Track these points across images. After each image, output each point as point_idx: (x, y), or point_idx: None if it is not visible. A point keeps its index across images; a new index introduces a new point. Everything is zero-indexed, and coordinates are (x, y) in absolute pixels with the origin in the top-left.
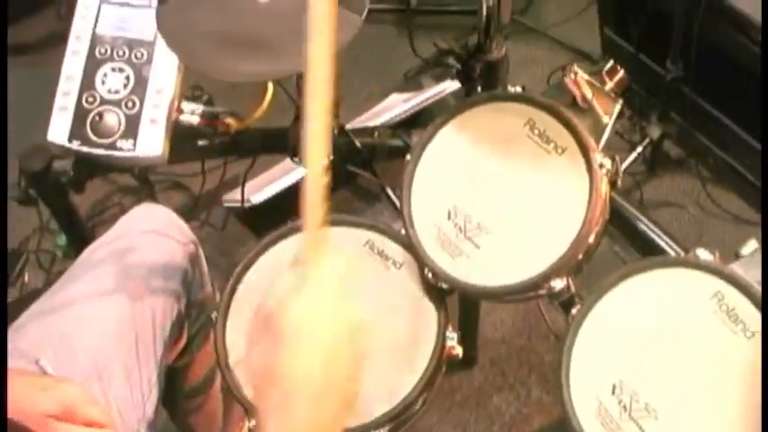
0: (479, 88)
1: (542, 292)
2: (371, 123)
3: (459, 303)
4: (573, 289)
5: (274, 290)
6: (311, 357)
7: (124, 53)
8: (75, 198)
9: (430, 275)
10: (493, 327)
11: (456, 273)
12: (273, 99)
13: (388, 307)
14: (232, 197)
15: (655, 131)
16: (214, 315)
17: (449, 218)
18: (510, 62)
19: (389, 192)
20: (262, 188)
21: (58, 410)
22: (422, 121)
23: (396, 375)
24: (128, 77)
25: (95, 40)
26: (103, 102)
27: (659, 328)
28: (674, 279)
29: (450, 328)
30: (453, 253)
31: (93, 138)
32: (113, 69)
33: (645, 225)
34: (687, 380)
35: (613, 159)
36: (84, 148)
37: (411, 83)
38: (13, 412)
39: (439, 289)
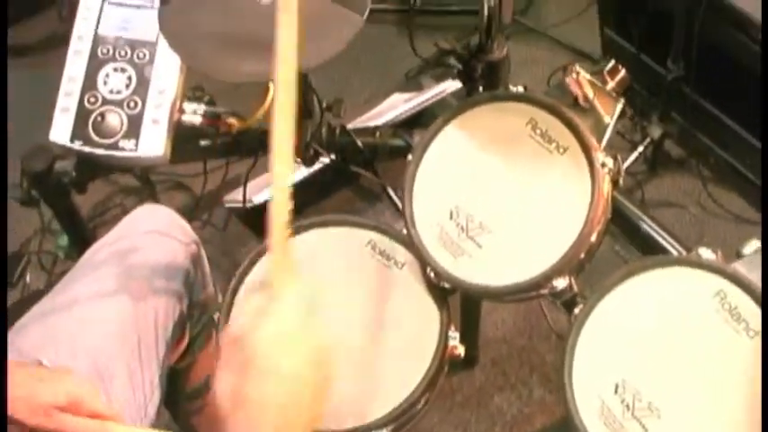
0: (481, 88)
1: (545, 291)
2: (373, 123)
3: (460, 303)
4: (575, 288)
5: (242, 314)
6: (278, 383)
7: (126, 53)
8: (76, 199)
9: (432, 275)
10: (494, 326)
11: (458, 272)
12: (274, 99)
13: (390, 307)
14: (234, 197)
15: (656, 131)
16: (216, 316)
17: (451, 217)
18: (511, 62)
19: (391, 191)
20: (263, 188)
21: (64, 402)
22: (423, 121)
23: (398, 375)
24: (130, 78)
25: (97, 41)
26: (105, 102)
27: (662, 327)
28: (677, 278)
29: (452, 328)
30: (455, 252)
31: (96, 138)
32: (115, 70)
33: (647, 224)
34: (690, 379)
35: (615, 159)
36: (87, 149)
37: (412, 83)
38: (18, 402)
39: (441, 288)
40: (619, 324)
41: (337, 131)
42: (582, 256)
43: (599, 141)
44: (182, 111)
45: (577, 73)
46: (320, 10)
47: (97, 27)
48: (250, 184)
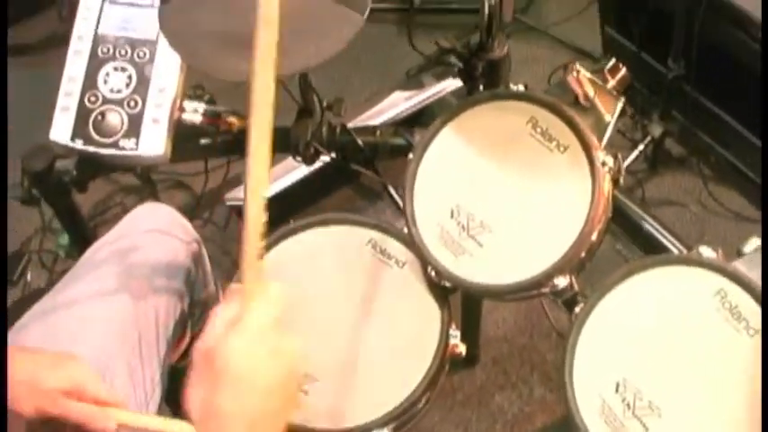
0: (481, 87)
1: (545, 290)
2: (373, 122)
3: (461, 302)
4: (576, 287)
5: (214, 326)
6: (249, 394)
7: (126, 52)
8: (77, 197)
9: (433, 274)
10: (495, 325)
11: (459, 271)
12: (275, 98)
13: (390, 306)
14: (234, 196)
15: (656, 129)
16: None
17: (451, 216)
18: (511, 61)
19: (391, 190)
20: None
21: (68, 387)
22: (423, 120)
23: (399, 374)
24: (130, 77)
25: (97, 40)
26: (106, 101)
27: (662, 325)
28: (677, 277)
29: (453, 327)
30: (456, 251)
31: (96, 137)
32: (116, 69)
33: (647, 223)
34: (690, 377)
35: (616, 157)
36: (87, 148)
37: (412, 81)
38: (21, 388)
39: (442, 287)
40: (619, 323)
41: (338, 130)
42: (583, 254)
43: (599, 140)
44: (182, 109)
45: (578, 71)
46: (321, 9)
47: (97, 26)
48: None
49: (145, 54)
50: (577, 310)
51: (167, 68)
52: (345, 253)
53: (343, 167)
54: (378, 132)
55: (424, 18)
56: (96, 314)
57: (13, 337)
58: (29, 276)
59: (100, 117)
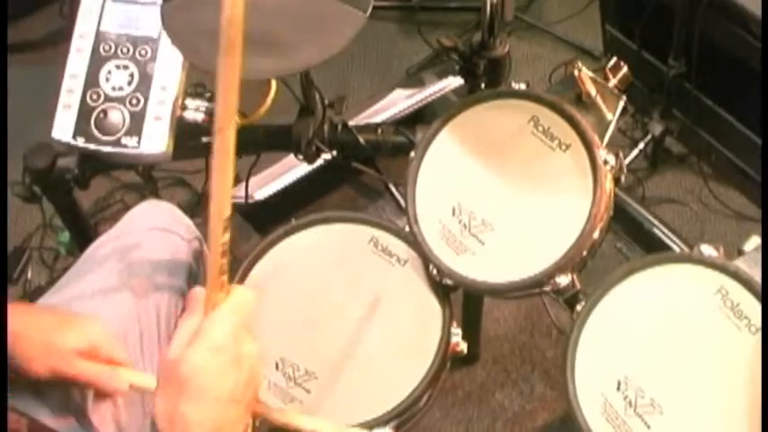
0: (483, 85)
1: (547, 288)
2: (374, 120)
3: (462, 300)
4: (578, 285)
5: (177, 336)
6: (212, 405)
7: (128, 50)
8: (78, 195)
9: (434, 272)
10: (495, 324)
11: (460, 269)
12: (277, 96)
13: (392, 304)
14: (235, 193)
15: (657, 128)
16: None
17: (453, 214)
18: (512, 59)
19: (393, 188)
20: (265, 185)
21: (86, 347)
22: (424, 118)
23: (401, 372)
24: (132, 75)
25: (99, 38)
26: (108, 99)
27: (664, 323)
28: (678, 275)
29: (454, 325)
30: (458, 249)
31: (98, 135)
32: (117, 67)
33: (648, 221)
34: (692, 375)
35: (617, 156)
36: (89, 146)
37: (413, 80)
38: (39, 346)
39: (443, 285)
40: (621, 321)
41: (339, 128)
42: (584, 253)
43: (601, 138)
44: (184, 107)
45: (579, 70)
46: (323, 7)
47: (99, 24)
48: (252, 181)
49: (147, 52)
50: (579, 308)
51: (169, 66)
52: (347, 251)
53: (344, 166)
54: (379, 130)
55: (423, 16)
56: (97, 311)
57: None
58: (29, 274)
59: (102, 115)
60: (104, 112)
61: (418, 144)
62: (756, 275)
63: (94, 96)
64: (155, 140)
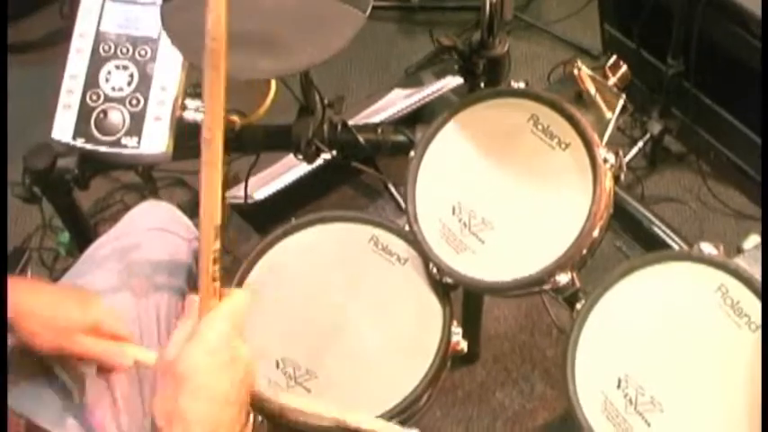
0: (482, 84)
1: (547, 286)
2: (374, 119)
3: (462, 299)
4: (578, 283)
5: (174, 339)
6: (209, 405)
7: (128, 51)
8: (78, 195)
9: (435, 271)
10: (495, 323)
11: (461, 268)
12: (277, 96)
13: (392, 303)
14: (235, 193)
15: (655, 127)
16: None
17: (453, 213)
18: (511, 58)
19: (392, 188)
20: (265, 184)
21: (90, 324)
22: (423, 118)
23: (401, 371)
24: (132, 75)
25: (99, 38)
26: (108, 99)
27: (664, 321)
28: (678, 273)
29: (455, 323)
30: (458, 248)
31: (98, 135)
32: (117, 67)
33: (648, 220)
34: (692, 373)
35: (617, 154)
36: (89, 146)
37: (412, 79)
38: (44, 323)
39: (444, 284)
40: (621, 319)
41: (339, 128)
42: (584, 251)
43: (601, 137)
44: (184, 108)
45: (579, 68)
46: (323, 7)
47: (99, 24)
48: (251, 181)
49: (146, 52)
50: (579, 306)
51: (169, 66)
52: (347, 250)
53: (344, 165)
54: (379, 130)
55: (422, 16)
56: None
57: None
58: (29, 274)
59: (102, 115)
60: (104, 112)
61: (418, 143)
62: (756, 273)
63: (94, 97)
64: (155, 141)
